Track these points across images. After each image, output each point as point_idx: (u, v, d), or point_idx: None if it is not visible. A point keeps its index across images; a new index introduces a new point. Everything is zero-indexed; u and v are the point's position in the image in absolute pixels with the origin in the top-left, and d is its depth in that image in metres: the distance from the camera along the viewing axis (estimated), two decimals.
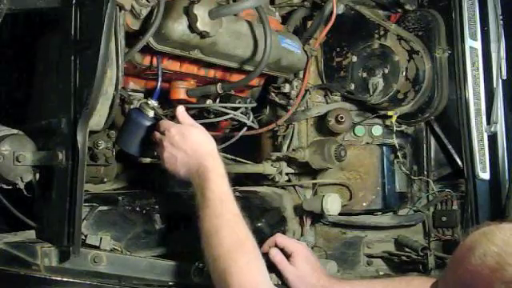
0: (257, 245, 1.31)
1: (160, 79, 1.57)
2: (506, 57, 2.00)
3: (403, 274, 1.94)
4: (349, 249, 1.99)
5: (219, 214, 1.30)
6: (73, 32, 1.27)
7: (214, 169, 1.36)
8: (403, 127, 2.00)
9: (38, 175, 1.38)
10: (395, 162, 1.98)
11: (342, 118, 1.88)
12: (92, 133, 1.41)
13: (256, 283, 1.25)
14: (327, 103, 1.99)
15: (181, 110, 1.47)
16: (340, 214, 1.87)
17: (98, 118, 1.35)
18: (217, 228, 1.28)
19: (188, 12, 1.41)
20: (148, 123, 1.51)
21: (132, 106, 1.58)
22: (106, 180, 1.62)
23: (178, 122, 1.46)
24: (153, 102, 1.53)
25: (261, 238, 1.65)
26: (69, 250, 1.23)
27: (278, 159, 1.95)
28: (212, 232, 1.28)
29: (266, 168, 1.94)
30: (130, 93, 1.64)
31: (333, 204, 1.81)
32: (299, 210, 1.95)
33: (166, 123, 1.45)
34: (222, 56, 1.62)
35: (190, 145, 1.39)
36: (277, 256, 1.51)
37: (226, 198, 1.34)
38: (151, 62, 1.56)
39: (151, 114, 1.52)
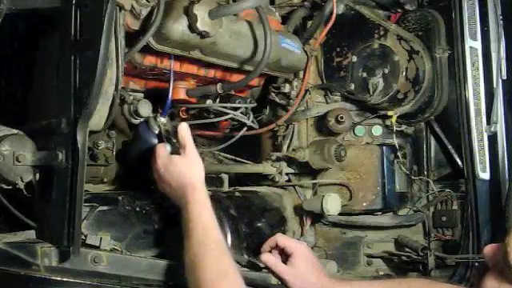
0: (239, 274, 1.30)
1: (170, 95, 1.55)
2: (505, 57, 2.00)
3: (403, 275, 1.94)
4: (349, 249, 1.99)
5: (202, 243, 1.29)
6: (73, 32, 1.27)
7: (194, 200, 1.35)
8: (403, 127, 2.00)
9: (38, 175, 1.38)
10: (395, 161, 1.98)
11: (341, 118, 1.88)
12: (92, 133, 1.41)
13: None
14: (327, 103, 1.99)
15: (183, 128, 1.44)
16: (340, 214, 1.87)
17: (98, 118, 1.35)
18: (200, 257, 1.27)
19: (188, 12, 1.41)
20: (153, 140, 1.49)
21: (142, 119, 1.56)
22: (105, 180, 1.62)
23: (177, 139, 1.44)
24: (161, 120, 1.51)
25: (261, 237, 1.66)
26: (69, 250, 1.23)
27: (278, 159, 1.95)
28: (195, 261, 1.27)
29: (266, 168, 1.94)
30: (129, 93, 1.64)
31: (333, 204, 1.81)
32: (299, 210, 1.95)
33: (157, 150, 1.44)
34: (222, 56, 1.62)
35: (174, 177, 1.39)
36: (269, 261, 1.50)
37: (209, 227, 1.33)
38: (156, 62, 1.56)
39: (157, 130, 1.50)
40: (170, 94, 1.56)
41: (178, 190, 1.39)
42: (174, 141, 1.46)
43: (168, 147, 1.46)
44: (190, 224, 1.32)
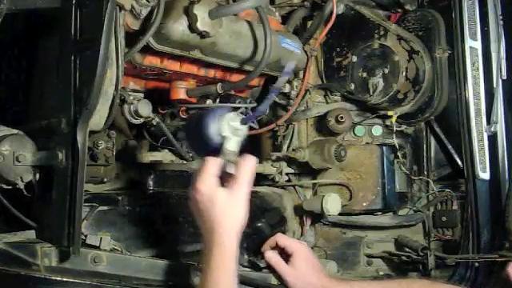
0: None
1: (269, 101, 1.31)
2: (506, 57, 2.00)
3: (403, 275, 1.94)
4: (349, 249, 1.99)
5: None
6: (73, 32, 1.27)
7: (222, 251, 1.22)
8: (403, 127, 2.00)
9: (38, 175, 1.38)
10: (395, 162, 1.98)
11: (341, 118, 1.88)
12: (92, 133, 1.41)
13: None
14: (327, 103, 1.99)
15: (246, 160, 1.27)
16: (340, 214, 1.87)
17: (98, 118, 1.35)
18: None
19: (188, 12, 1.41)
20: (213, 143, 1.25)
21: (216, 103, 1.34)
22: (106, 180, 1.62)
23: (227, 171, 1.26)
24: (236, 124, 1.26)
25: (261, 237, 1.66)
26: (69, 250, 1.23)
27: (278, 159, 1.95)
28: None
29: (266, 168, 1.94)
30: (129, 93, 1.64)
31: (333, 204, 1.81)
32: (299, 210, 1.95)
33: (207, 166, 1.24)
34: (222, 56, 1.62)
35: (208, 213, 1.23)
36: (272, 258, 1.50)
37: (228, 283, 1.22)
38: (156, 62, 1.55)
39: (223, 132, 1.25)
40: (266, 105, 1.31)
41: (207, 230, 1.25)
42: (231, 169, 1.25)
43: (221, 165, 1.24)
44: (210, 275, 1.21)
